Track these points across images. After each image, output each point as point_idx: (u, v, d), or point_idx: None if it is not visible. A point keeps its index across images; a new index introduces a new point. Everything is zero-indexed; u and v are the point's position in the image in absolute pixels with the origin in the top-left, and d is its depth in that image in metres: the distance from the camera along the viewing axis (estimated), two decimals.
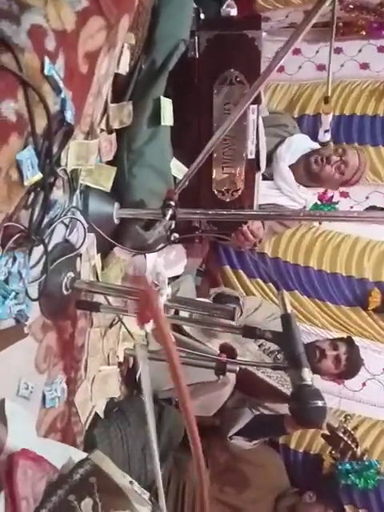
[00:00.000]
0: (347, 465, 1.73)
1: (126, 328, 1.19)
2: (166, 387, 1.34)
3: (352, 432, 1.57)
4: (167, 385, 1.32)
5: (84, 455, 0.71)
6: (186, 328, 1.46)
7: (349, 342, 1.75)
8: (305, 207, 1.91)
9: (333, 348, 1.70)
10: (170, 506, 1.37)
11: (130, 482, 0.69)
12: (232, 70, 1.21)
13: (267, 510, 1.62)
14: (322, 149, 1.80)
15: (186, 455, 1.53)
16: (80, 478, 0.65)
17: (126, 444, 1.18)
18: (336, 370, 1.70)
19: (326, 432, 1.59)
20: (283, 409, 1.67)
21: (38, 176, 0.72)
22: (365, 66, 2.38)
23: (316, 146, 1.89)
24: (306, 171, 1.80)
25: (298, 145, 1.85)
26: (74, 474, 0.65)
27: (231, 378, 1.49)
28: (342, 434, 1.55)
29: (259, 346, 1.67)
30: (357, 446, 1.57)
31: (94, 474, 0.65)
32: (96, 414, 1.18)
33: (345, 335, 1.95)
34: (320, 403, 0.72)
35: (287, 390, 1.59)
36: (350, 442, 1.55)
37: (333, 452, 1.63)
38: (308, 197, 1.87)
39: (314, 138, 1.99)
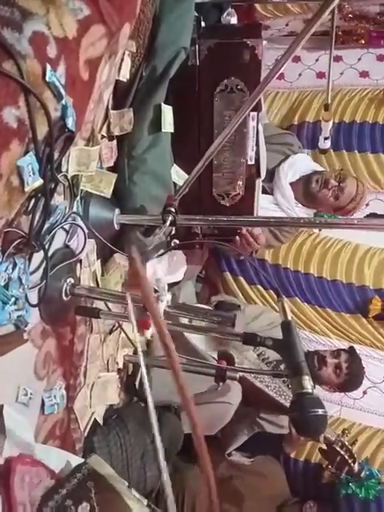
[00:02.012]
0: (346, 476, 1.71)
1: (125, 334, 1.18)
2: (165, 395, 1.33)
3: (349, 446, 1.55)
4: (167, 393, 1.31)
5: (82, 460, 0.71)
6: (187, 335, 1.46)
7: (351, 352, 1.74)
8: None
9: (333, 356, 1.69)
10: None
11: (128, 487, 0.68)
12: (232, 78, 1.22)
13: None
14: (325, 172, 1.85)
15: (184, 463, 1.52)
16: (77, 482, 0.64)
17: (125, 452, 1.17)
18: (337, 379, 1.69)
19: (324, 446, 1.58)
20: (282, 421, 1.66)
21: (39, 182, 0.72)
22: (364, 74, 2.39)
23: (318, 167, 1.92)
24: (305, 190, 1.85)
25: (301, 163, 1.89)
26: (71, 478, 0.65)
27: (236, 399, 1.49)
28: (338, 449, 1.53)
29: (258, 354, 1.66)
30: (354, 462, 1.56)
31: (91, 478, 0.65)
32: (95, 420, 1.17)
33: (345, 343, 1.94)
34: (320, 411, 0.71)
35: (285, 400, 1.58)
36: (347, 457, 1.54)
37: (329, 466, 1.61)
38: (305, 216, 1.89)
39: (314, 145, 2.01)
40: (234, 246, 1.61)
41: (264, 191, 1.79)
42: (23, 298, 0.83)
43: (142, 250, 1.22)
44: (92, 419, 1.15)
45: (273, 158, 1.79)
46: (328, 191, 1.81)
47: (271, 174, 1.85)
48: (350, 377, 1.70)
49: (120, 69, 1.06)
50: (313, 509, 1.64)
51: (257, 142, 1.32)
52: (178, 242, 1.29)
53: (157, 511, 0.65)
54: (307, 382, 0.74)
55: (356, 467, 1.61)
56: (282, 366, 1.65)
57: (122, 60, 1.05)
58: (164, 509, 1.35)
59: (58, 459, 0.67)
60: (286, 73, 2.40)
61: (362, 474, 1.70)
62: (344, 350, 1.75)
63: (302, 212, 1.88)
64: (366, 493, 1.74)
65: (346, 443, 1.56)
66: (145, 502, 0.71)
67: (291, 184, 1.86)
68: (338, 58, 2.38)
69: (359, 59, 2.41)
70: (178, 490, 1.43)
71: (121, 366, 1.29)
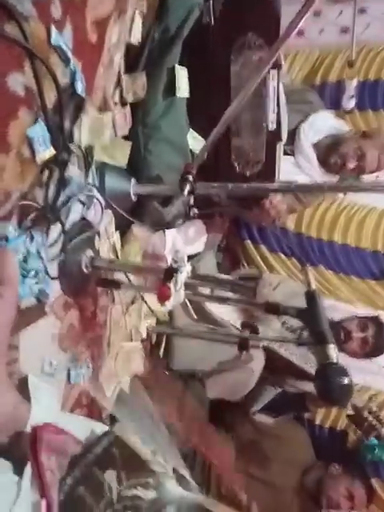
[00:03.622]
0: (374, 439, 1.71)
1: (147, 305, 1.18)
2: (188, 363, 1.34)
3: (377, 411, 1.55)
4: (191, 361, 1.33)
5: (106, 428, 0.72)
6: (208, 306, 1.45)
7: (378, 322, 1.70)
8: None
9: (360, 329, 1.66)
10: (196, 479, 1.39)
11: (153, 453, 0.69)
12: (250, 34, 1.16)
13: (294, 483, 1.63)
14: (342, 146, 1.74)
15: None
16: (103, 449, 0.65)
17: (151, 419, 1.20)
18: (361, 351, 1.68)
19: (350, 412, 1.57)
20: (307, 386, 1.66)
21: (51, 152, 0.71)
22: None
23: (341, 125, 1.81)
24: (325, 165, 1.77)
25: (322, 123, 1.79)
26: (97, 446, 0.66)
27: (259, 366, 1.49)
28: (366, 414, 1.53)
29: (282, 323, 1.65)
30: (382, 426, 1.56)
31: (116, 445, 0.66)
32: (121, 389, 1.19)
33: (371, 310, 1.90)
34: (346, 381, 0.70)
35: (311, 368, 1.57)
36: (374, 422, 1.53)
37: (357, 431, 1.62)
38: (328, 181, 1.82)
39: (337, 105, 1.91)
40: (255, 215, 1.57)
41: (285, 153, 1.72)
42: (43, 271, 0.83)
43: (160, 221, 1.20)
44: (118, 388, 1.17)
45: (293, 119, 1.69)
46: (348, 170, 1.73)
47: (292, 135, 1.75)
48: (376, 347, 1.68)
49: (131, 30, 1.01)
50: (338, 470, 1.66)
51: (277, 104, 1.26)
52: (197, 211, 1.26)
53: (184, 476, 0.66)
54: (332, 350, 0.73)
55: (383, 432, 1.61)
56: (306, 333, 1.63)
57: (133, 21, 1.00)
58: (191, 470, 1.38)
59: (84, 427, 0.69)
60: (306, 29, 2.27)
61: None
62: (370, 319, 1.71)
63: (325, 175, 1.81)
64: None
65: (374, 409, 1.56)
66: (169, 466, 0.72)
67: (314, 145, 1.78)
68: (362, 10, 2.23)
69: None
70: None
71: (144, 336, 1.30)
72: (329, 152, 1.77)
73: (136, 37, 1.05)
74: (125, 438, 0.64)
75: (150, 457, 0.64)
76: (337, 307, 1.97)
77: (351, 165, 1.72)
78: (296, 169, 1.80)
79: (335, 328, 1.65)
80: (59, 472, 0.59)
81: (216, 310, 1.48)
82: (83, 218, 0.98)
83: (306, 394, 1.67)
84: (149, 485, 0.58)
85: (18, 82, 0.60)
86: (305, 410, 1.77)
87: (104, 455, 0.62)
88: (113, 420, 1.13)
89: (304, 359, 1.61)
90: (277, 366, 1.62)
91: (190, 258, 1.55)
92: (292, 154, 1.81)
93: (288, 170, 1.76)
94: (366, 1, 2.24)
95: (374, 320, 1.71)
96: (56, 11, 0.64)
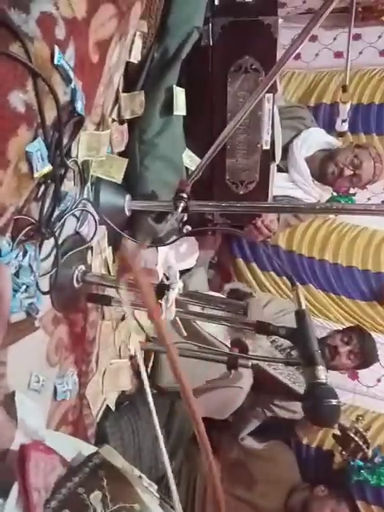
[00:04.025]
0: (359, 462, 1.71)
1: (137, 322, 1.18)
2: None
3: (363, 433, 1.54)
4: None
5: (94, 449, 0.71)
6: (199, 323, 1.45)
7: (359, 331, 1.71)
8: (319, 202, 1.88)
9: (345, 343, 1.67)
10: (180, 499, 1.37)
11: (139, 477, 0.68)
12: (247, 58, 1.18)
13: (279, 504, 1.61)
14: (338, 154, 1.77)
15: (197, 448, 1.52)
16: (89, 471, 0.65)
17: (137, 437, 1.18)
18: (352, 363, 1.69)
19: (337, 432, 1.57)
20: (295, 406, 1.66)
21: (48, 168, 0.71)
22: None
23: (332, 140, 1.85)
24: (321, 175, 1.80)
25: (315, 138, 1.83)
26: (83, 467, 0.65)
27: (247, 384, 1.48)
28: (353, 435, 1.53)
29: (271, 342, 1.65)
30: (368, 447, 1.55)
31: (102, 467, 0.65)
32: (107, 406, 1.18)
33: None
34: (334, 402, 0.70)
35: (299, 387, 1.57)
36: (361, 443, 1.53)
37: (343, 452, 1.61)
38: (323, 193, 1.85)
39: (331, 127, 1.95)
40: (247, 233, 1.58)
41: (279, 169, 1.75)
42: (34, 285, 0.82)
43: (153, 237, 1.21)
44: (104, 405, 1.16)
45: (285, 134, 1.72)
46: (343, 180, 1.76)
47: (285, 151, 1.79)
48: (365, 357, 1.69)
49: (131, 50, 1.03)
50: (324, 492, 1.65)
51: (272, 125, 1.28)
52: (190, 228, 1.27)
53: (165, 500, 0.65)
54: (321, 371, 0.73)
55: (370, 452, 1.61)
56: (294, 352, 1.64)
57: (133, 41, 1.02)
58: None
59: (70, 448, 0.68)
60: (302, 52, 2.32)
61: (376, 460, 1.71)
62: (352, 330, 1.72)
63: (319, 189, 1.83)
64: (378, 480, 1.73)
65: (361, 429, 1.56)
66: (155, 487, 0.71)
67: (306, 160, 1.81)
68: (357, 36, 2.30)
69: (379, 37, 2.32)
70: (190, 476, 1.44)
71: (133, 352, 1.29)
72: (325, 162, 1.80)
73: (135, 56, 1.07)
74: (112, 460, 0.63)
75: (136, 479, 0.64)
76: (326, 327, 1.98)
77: (349, 172, 1.74)
78: (290, 184, 1.83)
79: (321, 346, 1.65)
80: (45, 492, 0.58)
81: (205, 326, 1.48)
82: (76, 233, 0.98)
83: (296, 421, 1.67)
84: (134, 510, 0.57)
85: (20, 99, 0.60)
86: (293, 436, 1.77)
87: (90, 477, 0.62)
88: (99, 437, 1.11)
89: (292, 378, 1.61)
90: (264, 385, 1.62)
91: (181, 273, 1.55)
92: (286, 170, 1.83)
93: (282, 185, 1.78)
94: (360, 28, 2.31)
95: (356, 330, 1.72)
96: (60, 32, 0.65)
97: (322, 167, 1.80)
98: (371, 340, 1.71)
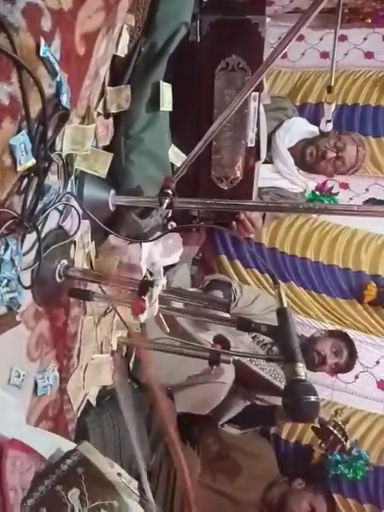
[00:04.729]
0: (337, 456, 1.75)
1: (119, 317, 1.17)
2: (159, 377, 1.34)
3: (342, 426, 1.58)
4: (161, 375, 1.32)
5: (73, 446, 0.71)
6: (180, 319, 1.46)
7: (351, 344, 1.73)
8: (305, 191, 1.90)
9: (334, 354, 1.69)
10: (160, 494, 1.38)
11: (118, 474, 0.69)
12: (234, 56, 1.19)
13: (257, 497, 1.63)
14: (321, 139, 1.78)
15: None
16: (67, 468, 0.64)
17: (118, 432, 1.18)
18: (332, 372, 1.75)
19: (316, 425, 1.60)
20: (275, 400, 1.68)
21: (32, 161, 0.70)
22: (369, 55, 2.33)
23: (315, 129, 1.86)
24: (301, 160, 1.80)
25: (297, 128, 1.84)
26: (61, 464, 0.65)
27: (230, 378, 1.49)
28: (332, 428, 1.56)
29: (253, 338, 1.67)
30: (346, 440, 1.59)
31: (81, 464, 0.65)
32: (88, 401, 1.17)
33: (339, 327, 1.95)
34: (313, 398, 0.71)
35: (280, 383, 1.59)
36: (339, 436, 1.57)
37: (322, 445, 1.65)
38: (308, 182, 1.87)
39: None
40: (231, 229, 1.59)
41: (263, 161, 1.76)
42: (16, 279, 0.81)
43: (137, 232, 1.20)
44: (85, 400, 1.15)
45: (268, 125, 1.71)
46: (326, 162, 1.76)
47: (268, 142, 1.78)
48: (347, 369, 1.75)
49: (118, 43, 1.02)
50: (301, 485, 1.68)
51: (257, 124, 1.29)
52: (174, 224, 1.27)
53: (144, 497, 0.65)
54: (301, 369, 0.74)
55: (348, 445, 1.65)
56: (276, 348, 1.66)
57: (120, 34, 1.01)
58: (155, 488, 1.37)
59: (49, 444, 0.67)
60: (289, 52, 2.33)
61: (353, 452, 1.75)
62: (344, 340, 1.74)
63: (304, 178, 1.85)
64: (354, 474, 1.77)
65: (339, 423, 1.59)
66: (135, 484, 0.71)
67: (290, 149, 1.82)
68: (342, 38, 2.32)
69: (365, 39, 2.35)
70: (170, 470, 1.45)
71: (114, 347, 1.29)
72: (306, 146, 1.80)
73: (122, 50, 1.06)
74: (91, 457, 0.63)
75: (116, 476, 0.64)
76: (306, 324, 2.01)
77: (332, 154, 1.74)
78: (275, 174, 1.84)
79: (310, 351, 1.67)
80: (23, 490, 0.58)
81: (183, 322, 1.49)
82: (60, 227, 0.97)
83: (275, 407, 1.69)
84: (113, 507, 0.58)
85: (4, 91, 0.59)
86: (273, 423, 1.79)
87: (68, 474, 0.61)
88: (79, 432, 1.11)
89: (273, 374, 1.63)
90: (246, 380, 1.64)
91: (165, 269, 1.55)
92: (270, 161, 1.84)
93: (268, 176, 1.79)
94: (346, 29, 2.33)
95: (348, 343, 1.73)
96: (46, 24, 0.64)
97: (303, 151, 1.80)
98: (356, 355, 1.74)
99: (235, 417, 1.73)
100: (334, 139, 1.79)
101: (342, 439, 1.59)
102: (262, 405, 1.74)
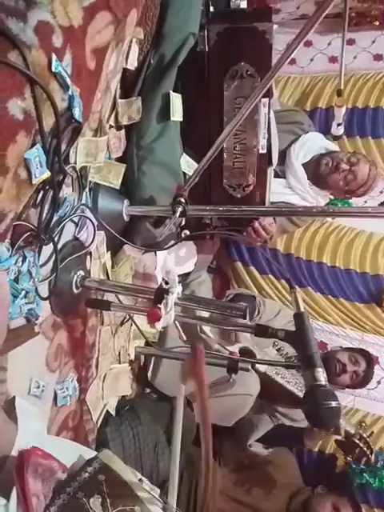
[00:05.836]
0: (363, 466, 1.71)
1: (137, 326, 1.18)
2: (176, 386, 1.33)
3: (367, 438, 1.55)
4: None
5: (93, 454, 0.71)
6: (205, 329, 1.46)
7: (367, 356, 1.72)
8: None
9: (352, 363, 1.68)
10: (182, 504, 1.36)
11: (140, 480, 0.68)
12: (242, 64, 1.19)
13: (281, 507, 1.60)
14: (336, 153, 1.79)
15: (198, 453, 1.52)
16: (89, 475, 0.64)
17: (138, 442, 1.18)
18: (351, 383, 1.71)
19: (341, 437, 1.57)
20: (297, 415, 1.66)
21: (47, 174, 0.72)
22: (378, 58, 2.32)
23: (330, 146, 1.86)
24: (314, 172, 1.79)
25: (312, 143, 1.83)
26: (82, 472, 0.65)
27: (255, 390, 1.48)
28: (357, 441, 1.53)
29: (278, 350, 1.65)
30: (372, 453, 1.56)
31: (102, 471, 0.65)
32: (108, 412, 1.18)
33: (359, 333, 1.92)
34: (333, 404, 0.70)
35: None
36: (365, 449, 1.53)
37: (347, 458, 1.62)
38: (320, 199, 1.85)
39: (327, 131, 1.97)
40: (246, 238, 1.59)
41: (276, 175, 1.75)
42: (34, 291, 0.83)
43: (151, 241, 1.21)
44: (104, 410, 1.16)
45: (282, 139, 1.71)
46: (338, 175, 1.75)
47: (282, 156, 1.78)
48: (365, 381, 1.71)
49: (127, 57, 1.04)
50: (324, 490, 1.65)
51: (268, 130, 1.29)
52: (188, 232, 1.28)
53: (168, 503, 0.65)
54: (320, 374, 0.73)
55: (373, 458, 1.62)
56: None
57: (130, 48, 1.03)
58: (176, 497, 1.36)
59: (71, 453, 0.68)
60: (297, 57, 2.34)
61: (378, 464, 1.71)
62: (360, 352, 1.73)
63: (316, 194, 1.84)
64: (380, 483, 1.73)
65: (364, 435, 1.56)
66: (156, 493, 0.71)
67: (303, 165, 1.81)
68: (351, 41, 2.32)
69: (373, 42, 2.34)
70: (192, 480, 1.43)
71: (132, 357, 1.29)
72: (321, 159, 1.78)
73: (132, 63, 1.08)
74: (112, 465, 0.63)
75: (136, 483, 0.64)
76: (325, 329, 1.99)
77: (345, 166, 1.73)
78: (287, 189, 1.83)
79: (330, 359, 1.66)
80: (45, 498, 0.58)
81: (207, 331, 1.49)
82: (75, 238, 0.98)
83: (304, 429, 1.67)
84: None
85: (18, 107, 0.61)
86: (301, 444, 1.76)
87: (90, 482, 0.62)
88: (99, 442, 1.11)
89: (299, 386, 1.60)
90: (272, 393, 1.62)
91: (179, 278, 1.56)
92: (283, 176, 1.84)
93: (279, 191, 1.78)
94: (353, 32, 2.33)
95: (365, 354, 1.72)
96: (57, 40, 0.65)
97: (317, 163, 1.79)
98: (373, 367, 1.72)
99: (263, 436, 1.71)
100: (349, 154, 1.79)
101: (368, 452, 1.56)
102: (290, 426, 1.71)
